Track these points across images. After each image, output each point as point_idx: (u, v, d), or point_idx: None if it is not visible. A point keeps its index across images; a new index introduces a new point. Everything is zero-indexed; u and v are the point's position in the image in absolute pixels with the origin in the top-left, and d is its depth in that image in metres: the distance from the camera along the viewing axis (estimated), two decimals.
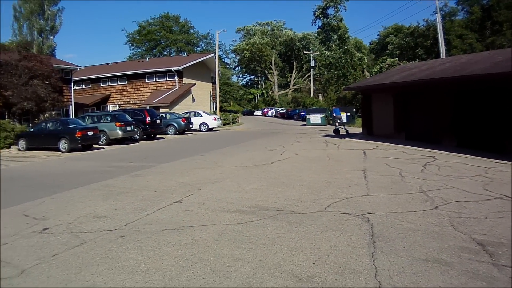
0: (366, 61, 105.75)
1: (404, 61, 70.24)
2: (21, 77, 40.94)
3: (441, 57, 48.29)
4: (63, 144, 31.65)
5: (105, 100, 69.69)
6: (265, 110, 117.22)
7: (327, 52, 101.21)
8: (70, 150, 31.48)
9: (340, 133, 38.98)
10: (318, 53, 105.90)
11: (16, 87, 40.53)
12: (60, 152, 31.26)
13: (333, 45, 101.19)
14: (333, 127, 40.61)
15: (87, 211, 12.09)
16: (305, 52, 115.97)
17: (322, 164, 20.07)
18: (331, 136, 37.76)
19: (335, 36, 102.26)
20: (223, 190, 14.47)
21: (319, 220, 10.19)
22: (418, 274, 6.73)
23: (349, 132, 39.13)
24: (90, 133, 32.67)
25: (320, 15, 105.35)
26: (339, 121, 40.58)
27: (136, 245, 8.81)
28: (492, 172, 16.09)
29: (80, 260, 7.98)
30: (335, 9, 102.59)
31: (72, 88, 56.28)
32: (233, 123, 72.09)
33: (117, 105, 67.58)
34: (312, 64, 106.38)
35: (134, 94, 68.50)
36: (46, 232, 10.01)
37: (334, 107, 47.28)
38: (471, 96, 23.01)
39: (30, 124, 39.29)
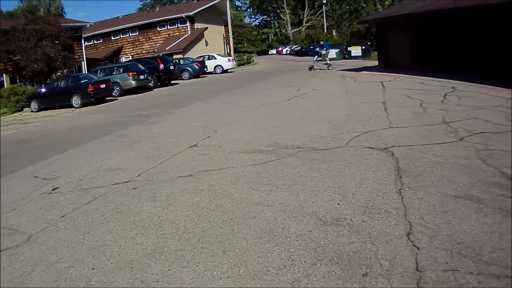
0: None
1: None
2: (29, 40, 40.95)
3: None
4: (75, 100, 31.79)
5: (117, 52, 69.52)
6: (280, 49, 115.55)
7: None
8: (84, 105, 31.59)
9: (315, 68, 40.00)
10: None
11: (25, 51, 40.60)
12: (73, 109, 31.35)
13: None
14: (345, 62, 40.33)
15: (99, 164, 11.85)
16: None
17: (340, 98, 19.50)
18: (348, 70, 36.75)
19: None
20: (240, 131, 14.12)
21: (341, 156, 9.73)
22: (450, 212, 6.24)
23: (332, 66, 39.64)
24: (103, 86, 32.63)
25: None
26: (327, 57, 40.46)
27: (149, 196, 8.47)
28: None
29: (89, 218, 7.65)
30: None
31: (83, 45, 56.69)
32: (248, 63, 71.40)
33: (130, 56, 67.01)
34: (324, 1, 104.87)
35: (146, 44, 68.30)
36: (55, 192, 9.67)
37: (323, 43, 46.12)
38: (490, 20, 22.16)
39: (42, 85, 39.02)
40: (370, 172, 8.38)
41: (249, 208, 7.16)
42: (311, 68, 40.02)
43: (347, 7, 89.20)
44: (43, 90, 34.00)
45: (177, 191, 8.52)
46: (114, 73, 37.40)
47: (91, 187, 9.67)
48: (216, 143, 12.55)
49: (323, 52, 40.70)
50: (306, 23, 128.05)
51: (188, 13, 65.11)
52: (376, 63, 38.45)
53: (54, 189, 9.90)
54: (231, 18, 73.49)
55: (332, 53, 56.39)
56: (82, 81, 32.68)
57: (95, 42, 72.61)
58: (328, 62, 39.55)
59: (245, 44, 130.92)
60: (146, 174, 10.09)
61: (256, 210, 7.03)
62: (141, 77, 37.31)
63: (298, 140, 11.69)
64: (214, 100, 24.20)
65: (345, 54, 56.40)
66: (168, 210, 7.56)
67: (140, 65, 39.55)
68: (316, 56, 41.62)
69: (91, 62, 59.20)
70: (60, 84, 34.00)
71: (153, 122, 18.49)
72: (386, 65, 34.56)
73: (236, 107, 19.93)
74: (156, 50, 63.94)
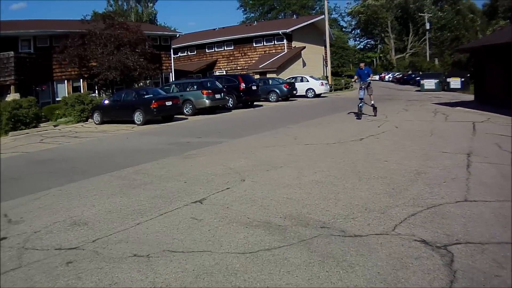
0: (479, 22, 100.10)
1: None
2: (106, 46, 39.42)
3: None
4: (137, 116, 30.17)
5: (211, 66, 68.39)
6: (383, 75, 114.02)
7: (439, 12, 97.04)
8: (146, 122, 29.91)
9: (360, 112, 25.69)
10: (431, 15, 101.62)
11: (101, 57, 39.16)
12: (134, 125, 29.89)
13: (446, 5, 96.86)
14: (443, 94, 35.93)
15: (74, 213, 9.45)
16: (419, 14, 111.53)
17: (420, 143, 16.17)
18: (443, 104, 33.53)
19: None
20: (271, 183, 11.05)
21: (372, 255, 6.34)
22: None
23: (376, 110, 26.32)
24: (169, 103, 30.72)
25: None
26: (363, 87, 25.53)
27: (67, 283, 5.96)
28: None
29: None
30: None
31: (172, 56, 55.36)
32: (345, 88, 68.93)
33: (224, 71, 66.01)
34: (427, 27, 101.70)
35: (241, 59, 66.76)
36: None
37: (363, 65, 27.13)
38: None
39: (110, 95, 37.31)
40: None
41: None
42: (359, 109, 25.82)
43: (448, 34, 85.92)
44: (106, 102, 32.74)
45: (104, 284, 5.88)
46: (188, 89, 35.59)
47: (34, 247, 7.51)
48: (227, 201, 9.64)
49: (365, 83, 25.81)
50: (410, 49, 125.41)
51: (285, 30, 62.83)
52: (473, 97, 35.00)
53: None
54: (332, 39, 71.18)
55: (431, 83, 53.34)
56: (146, 97, 31.10)
57: (188, 53, 72.17)
58: (361, 104, 25.68)
59: (351, 67, 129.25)
60: (102, 241, 7.65)
61: None
62: (217, 96, 35.06)
63: (331, 212, 8.44)
64: (281, 131, 21.86)
65: (444, 85, 52.81)
66: None
67: (217, 83, 37.34)
68: (360, 92, 25.74)
69: (182, 74, 58.19)
70: (123, 97, 32.35)
71: (191, 156, 16.12)
72: (483, 100, 31.05)
73: (296, 144, 17.18)
74: (250, 66, 62.40)
